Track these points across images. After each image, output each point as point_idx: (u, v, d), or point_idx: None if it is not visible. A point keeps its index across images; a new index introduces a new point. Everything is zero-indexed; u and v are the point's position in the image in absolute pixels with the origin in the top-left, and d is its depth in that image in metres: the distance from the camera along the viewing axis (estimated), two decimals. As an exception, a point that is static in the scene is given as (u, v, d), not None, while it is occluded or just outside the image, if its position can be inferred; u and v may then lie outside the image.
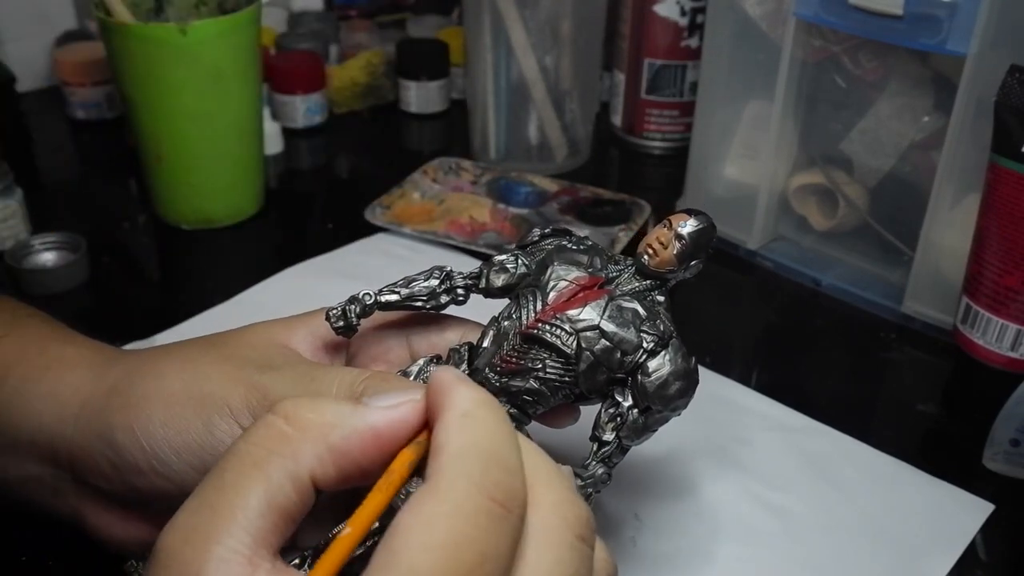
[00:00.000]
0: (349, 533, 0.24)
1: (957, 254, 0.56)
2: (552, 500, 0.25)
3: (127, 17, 0.65)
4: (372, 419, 0.25)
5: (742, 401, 0.54)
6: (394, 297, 0.37)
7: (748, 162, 0.68)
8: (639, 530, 0.45)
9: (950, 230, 0.58)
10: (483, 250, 0.67)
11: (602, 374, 0.35)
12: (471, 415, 0.25)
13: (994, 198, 0.52)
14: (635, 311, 0.35)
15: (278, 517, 0.25)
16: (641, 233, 0.70)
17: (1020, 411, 0.47)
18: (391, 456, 0.26)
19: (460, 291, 0.38)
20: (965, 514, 0.47)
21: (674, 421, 0.36)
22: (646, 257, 0.35)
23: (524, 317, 0.35)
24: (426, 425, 0.26)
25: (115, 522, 0.38)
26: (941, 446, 0.53)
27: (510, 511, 0.24)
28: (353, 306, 0.37)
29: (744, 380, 0.56)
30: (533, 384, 0.35)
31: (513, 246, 0.39)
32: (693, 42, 0.79)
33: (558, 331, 0.34)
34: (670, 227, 0.35)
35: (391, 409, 0.26)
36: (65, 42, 0.90)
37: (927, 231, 0.59)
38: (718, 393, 0.54)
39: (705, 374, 0.55)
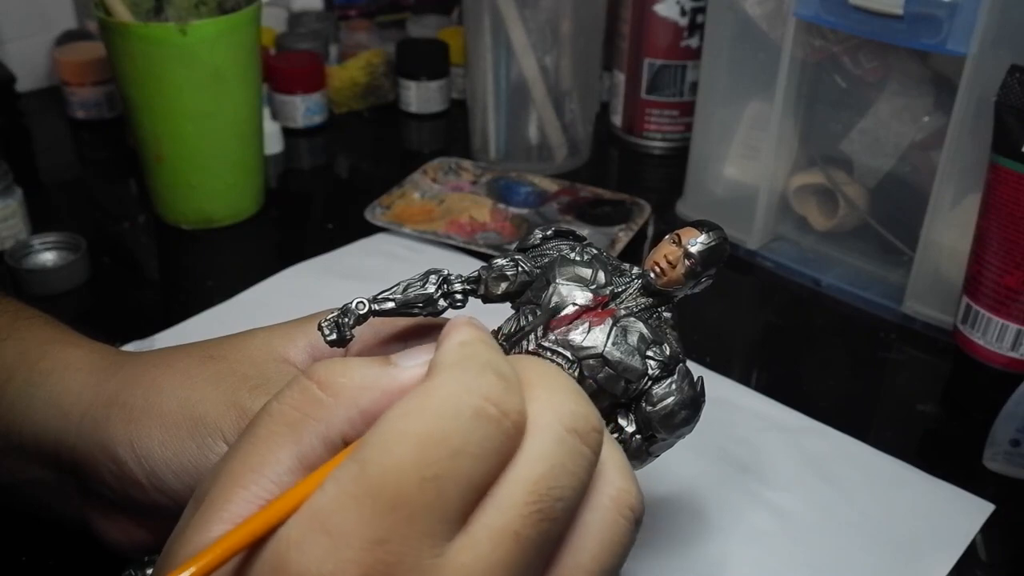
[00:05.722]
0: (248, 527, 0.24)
1: (957, 254, 0.56)
2: (548, 396, 0.25)
3: (127, 17, 0.65)
4: (401, 379, 0.26)
5: (742, 401, 0.54)
6: (390, 305, 0.35)
7: (748, 162, 0.68)
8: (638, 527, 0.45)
9: (950, 230, 0.58)
10: (483, 250, 0.67)
11: (605, 401, 0.33)
12: (468, 343, 0.25)
13: (994, 198, 0.52)
14: (641, 334, 0.33)
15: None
16: (641, 233, 0.70)
17: (1020, 411, 0.47)
18: None
19: (458, 296, 0.36)
20: (965, 514, 0.47)
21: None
22: (653, 275, 0.33)
23: (525, 340, 0.34)
24: None
25: (119, 526, 0.38)
26: (941, 446, 0.53)
27: (506, 415, 0.24)
28: (346, 318, 0.35)
29: (744, 380, 0.56)
30: None
31: (513, 248, 0.38)
32: (693, 42, 0.79)
33: (559, 358, 0.33)
34: (679, 243, 0.33)
35: (419, 368, 0.26)
36: (65, 42, 0.90)
37: (927, 231, 0.59)
38: (718, 393, 0.54)
39: (705, 374, 0.55)
